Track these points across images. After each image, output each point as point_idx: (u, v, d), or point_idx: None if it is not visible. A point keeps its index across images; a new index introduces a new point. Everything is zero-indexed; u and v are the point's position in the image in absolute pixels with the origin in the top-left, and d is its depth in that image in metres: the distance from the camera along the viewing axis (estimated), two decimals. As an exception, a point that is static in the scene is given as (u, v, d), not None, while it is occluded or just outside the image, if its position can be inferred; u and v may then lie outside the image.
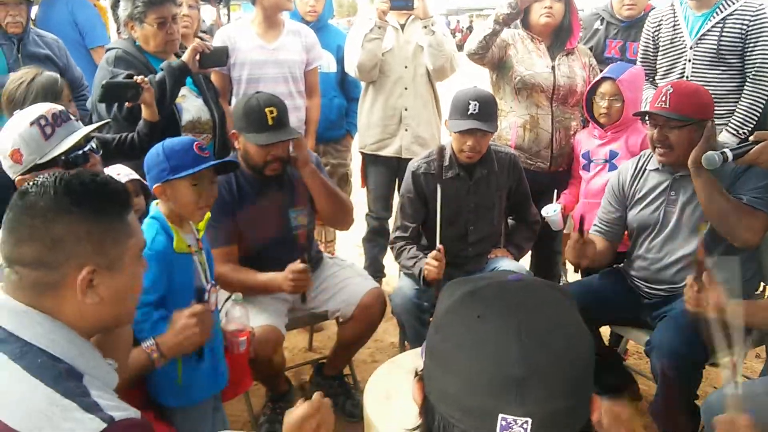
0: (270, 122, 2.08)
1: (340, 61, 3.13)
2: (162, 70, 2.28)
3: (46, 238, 0.93)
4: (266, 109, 2.08)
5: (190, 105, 2.45)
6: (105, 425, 0.84)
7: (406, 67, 2.94)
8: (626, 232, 2.29)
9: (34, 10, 3.74)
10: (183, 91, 2.40)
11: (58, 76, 2.20)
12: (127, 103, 2.20)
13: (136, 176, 1.94)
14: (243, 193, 2.20)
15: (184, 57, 2.33)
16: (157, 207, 1.66)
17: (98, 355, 0.99)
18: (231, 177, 2.18)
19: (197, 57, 2.35)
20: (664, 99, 2.00)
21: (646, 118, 2.08)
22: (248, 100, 2.13)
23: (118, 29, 2.45)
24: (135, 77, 2.13)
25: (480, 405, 0.61)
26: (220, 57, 2.50)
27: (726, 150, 1.75)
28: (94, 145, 1.63)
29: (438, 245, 2.22)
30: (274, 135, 2.10)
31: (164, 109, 2.24)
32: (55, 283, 0.95)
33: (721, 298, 1.60)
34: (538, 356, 0.61)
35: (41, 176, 0.99)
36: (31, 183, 0.98)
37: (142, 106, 2.16)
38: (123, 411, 0.88)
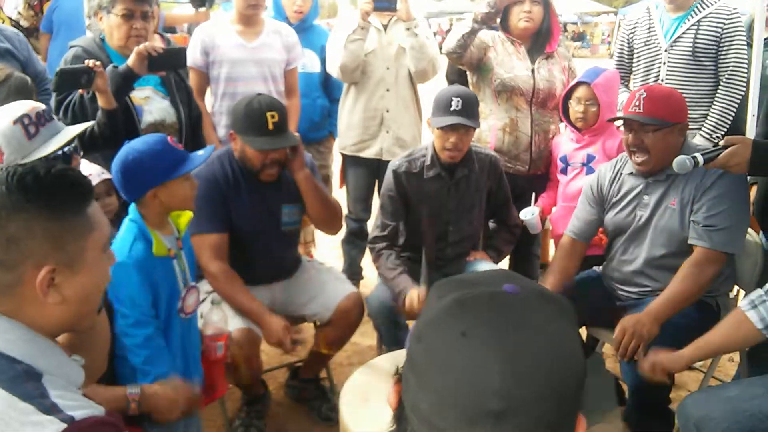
0: (270, 127, 2.05)
1: (324, 62, 3.10)
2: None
3: (1, 237, 0.89)
4: (267, 114, 2.04)
5: (154, 107, 2.37)
6: (64, 425, 0.81)
7: (388, 68, 2.93)
8: (600, 235, 2.32)
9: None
10: (147, 92, 2.34)
11: (29, 79, 2.14)
12: (80, 90, 2.12)
13: (108, 175, 1.89)
14: (238, 182, 2.17)
15: (129, 61, 2.16)
16: (136, 210, 1.63)
17: (60, 353, 0.95)
18: (227, 165, 2.17)
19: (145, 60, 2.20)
20: (637, 104, 1.99)
21: (622, 123, 2.09)
22: (249, 102, 2.08)
23: (88, 23, 2.38)
24: (86, 61, 2.04)
25: (450, 429, 0.57)
26: (174, 59, 2.31)
27: (697, 155, 1.77)
28: (75, 146, 1.60)
29: (421, 286, 2.19)
30: (273, 140, 2.07)
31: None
32: (13, 283, 0.90)
33: (670, 361, 1.75)
34: (520, 390, 0.56)
35: None
36: None
37: (97, 94, 2.08)
38: (85, 410, 0.84)
